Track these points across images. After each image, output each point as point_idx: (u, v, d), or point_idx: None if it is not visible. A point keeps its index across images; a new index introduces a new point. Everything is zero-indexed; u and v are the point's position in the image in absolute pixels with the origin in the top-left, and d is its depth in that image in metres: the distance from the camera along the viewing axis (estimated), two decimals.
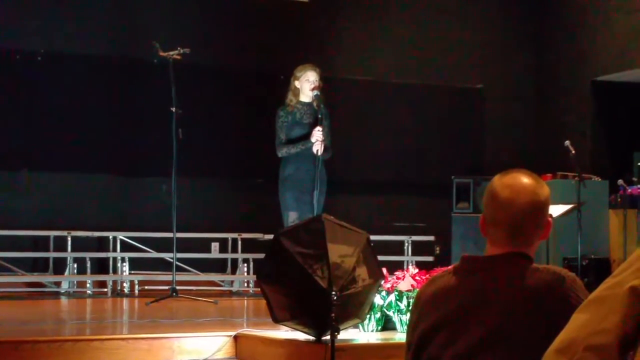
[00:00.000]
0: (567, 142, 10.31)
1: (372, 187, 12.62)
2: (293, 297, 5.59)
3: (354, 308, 5.65)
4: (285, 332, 6.03)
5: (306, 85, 8.68)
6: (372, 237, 5.88)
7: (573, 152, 10.26)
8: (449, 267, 3.08)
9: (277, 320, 5.73)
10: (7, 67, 11.13)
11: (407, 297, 6.16)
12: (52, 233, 10.98)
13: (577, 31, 13.10)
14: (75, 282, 10.97)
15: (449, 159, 12.92)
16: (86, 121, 11.34)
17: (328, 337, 5.27)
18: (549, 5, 13.62)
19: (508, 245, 2.90)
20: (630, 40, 12.22)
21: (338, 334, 5.30)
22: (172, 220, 8.86)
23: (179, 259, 9.77)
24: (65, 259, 10.95)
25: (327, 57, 11.95)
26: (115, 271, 11.01)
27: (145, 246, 11.21)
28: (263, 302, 5.94)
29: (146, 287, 10.94)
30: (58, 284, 10.94)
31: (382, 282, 6.07)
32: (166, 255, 10.70)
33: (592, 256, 11.12)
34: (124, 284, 10.93)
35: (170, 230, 8.96)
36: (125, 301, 10.25)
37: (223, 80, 11.99)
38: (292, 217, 8.46)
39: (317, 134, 8.44)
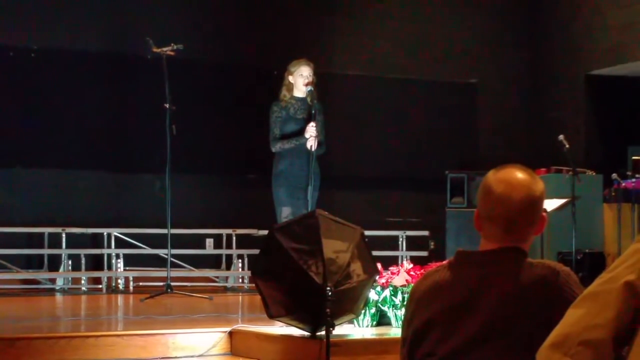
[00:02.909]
0: (561, 137, 10.30)
1: (366, 182, 12.62)
2: (288, 292, 5.59)
3: (348, 303, 5.65)
4: (280, 328, 6.03)
5: (300, 80, 8.67)
6: (367, 233, 5.88)
7: (567, 146, 10.25)
8: (444, 262, 3.08)
9: (272, 316, 5.73)
10: (1, 64, 11.11)
11: (402, 292, 6.16)
12: (47, 230, 10.97)
13: (571, 25, 13.10)
14: (70, 279, 10.96)
15: (443, 153, 12.92)
16: (80, 117, 11.34)
17: (323, 332, 5.27)
18: None
19: (503, 240, 2.90)
20: (624, 34, 12.22)
21: (333, 329, 5.30)
22: (167, 217, 8.86)
23: (173, 255, 9.76)
24: (59, 255, 10.94)
25: (321, 52, 11.93)
26: (109, 268, 11.00)
27: (140, 242, 11.20)
28: (258, 297, 5.94)
29: (141, 284, 10.95)
30: (53, 280, 10.93)
31: (377, 277, 6.07)
32: (161, 252, 10.70)
33: (587, 250, 11.12)
34: (119, 281, 10.93)
35: (165, 227, 8.96)
36: (120, 297, 10.25)
37: (216, 76, 11.98)
38: (285, 213, 8.45)
39: (311, 130, 8.44)
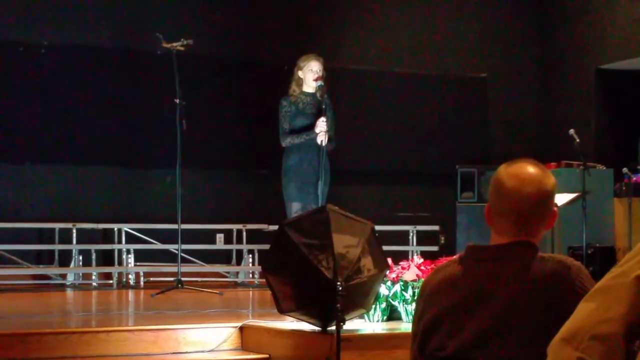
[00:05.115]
0: (571, 131, 10.29)
1: (376, 177, 12.61)
2: (298, 287, 5.60)
3: (359, 298, 5.66)
4: (290, 323, 6.03)
5: (309, 75, 8.66)
6: (377, 227, 5.88)
7: (577, 140, 10.24)
8: (454, 256, 3.08)
9: (283, 311, 5.73)
10: (11, 60, 11.13)
11: (413, 287, 6.16)
12: (57, 225, 10.98)
13: (581, 19, 13.07)
14: (80, 274, 10.98)
15: (453, 148, 12.91)
16: (90, 113, 11.35)
17: (334, 327, 5.27)
18: None
19: (514, 234, 2.90)
20: (635, 28, 12.19)
21: (343, 324, 5.30)
22: (177, 212, 8.87)
23: (184, 251, 9.77)
24: (70, 251, 10.96)
25: (330, 47, 11.93)
26: (120, 263, 11.02)
27: (150, 238, 11.22)
28: (268, 293, 5.94)
29: (151, 279, 10.95)
30: (63, 276, 10.95)
31: (387, 272, 6.07)
32: (171, 247, 10.71)
33: (597, 245, 11.10)
34: (130, 276, 10.94)
35: (175, 222, 8.97)
36: (130, 293, 10.26)
37: (226, 71, 11.99)
38: (295, 208, 8.45)
39: (321, 125, 8.42)
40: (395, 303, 6.28)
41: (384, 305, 6.25)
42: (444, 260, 3.70)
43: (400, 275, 6.23)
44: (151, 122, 11.32)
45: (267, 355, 6.04)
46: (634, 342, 2.17)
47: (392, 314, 6.31)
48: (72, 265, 10.92)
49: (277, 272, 5.70)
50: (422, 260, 6.39)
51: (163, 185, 11.31)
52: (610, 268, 2.29)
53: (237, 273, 11.63)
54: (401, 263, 6.35)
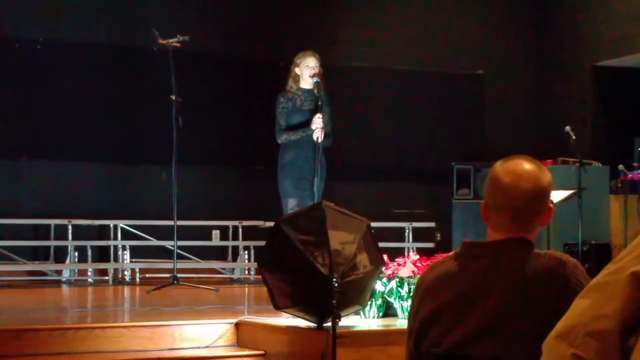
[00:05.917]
0: (567, 128, 10.29)
1: (372, 174, 12.60)
2: (294, 284, 5.60)
3: (355, 295, 5.65)
4: (286, 319, 6.04)
5: (306, 71, 8.66)
6: (373, 224, 5.88)
7: (573, 137, 10.24)
8: (450, 253, 3.08)
9: (279, 307, 5.73)
10: (7, 56, 11.12)
11: (408, 284, 6.16)
12: (53, 221, 10.98)
13: (577, 16, 13.07)
14: (76, 271, 10.96)
15: (449, 145, 12.91)
16: (86, 109, 11.34)
17: (329, 323, 5.27)
18: None
19: (509, 230, 2.90)
20: (631, 25, 12.19)
21: (339, 320, 5.30)
22: (173, 208, 8.86)
23: (179, 247, 9.77)
24: (66, 247, 10.95)
25: (327, 43, 11.92)
26: (116, 259, 11.01)
27: (146, 234, 11.21)
28: (264, 289, 5.94)
29: (147, 275, 10.95)
30: (59, 272, 10.94)
31: (383, 268, 6.07)
32: (167, 243, 10.71)
33: (593, 242, 11.11)
34: (125, 272, 10.93)
35: (171, 218, 8.97)
36: (126, 289, 10.26)
37: (223, 67, 11.98)
38: (291, 204, 8.45)
39: (318, 121, 8.42)
40: (391, 299, 6.28)
41: (379, 301, 6.25)
42: (439, 257, 3.70)
43: (396, 271, 6.23)
44: (147, 119, 11.32)
45: (262, 352, 6.04)
46: (630, 339, 2.17)
47: (387, 311, 6.31)
48: (67, 261, 10.91)
49: (273, 268, 5.70)
50: (418, 256, 6.39)
51: (159, 182, 11.30)
52: (605, 265, 2.29)
53: (233, 269, 11.63)
54: (397, 259, 6.35)
